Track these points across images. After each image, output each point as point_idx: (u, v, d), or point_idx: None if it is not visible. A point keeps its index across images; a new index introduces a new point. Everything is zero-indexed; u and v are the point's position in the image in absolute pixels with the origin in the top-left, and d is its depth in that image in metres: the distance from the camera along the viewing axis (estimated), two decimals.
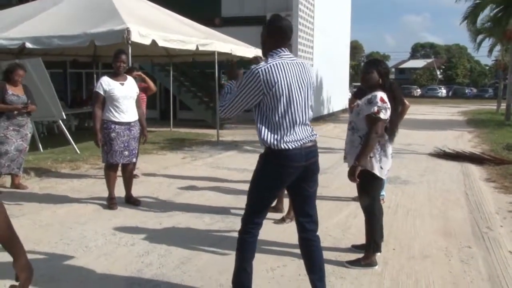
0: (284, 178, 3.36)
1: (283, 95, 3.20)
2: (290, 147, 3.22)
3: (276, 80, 3.17)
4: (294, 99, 3.25)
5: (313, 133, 3.40)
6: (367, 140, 4.12)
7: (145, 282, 3.99)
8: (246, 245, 3.48)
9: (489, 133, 16.42)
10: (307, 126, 3.37)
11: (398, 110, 4.39)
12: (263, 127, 3.27)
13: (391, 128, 4.25)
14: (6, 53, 11.35)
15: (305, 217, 3.49)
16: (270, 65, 3.20)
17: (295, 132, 3.26)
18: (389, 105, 4.12)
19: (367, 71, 4.31)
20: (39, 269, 4.05)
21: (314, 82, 3.47)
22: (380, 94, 4.13)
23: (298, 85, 3.27)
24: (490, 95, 53.90)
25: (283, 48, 3.33)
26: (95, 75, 18.12)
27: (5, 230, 1.90)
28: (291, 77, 3.24)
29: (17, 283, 2.03)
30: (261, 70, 3.17)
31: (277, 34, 3.34)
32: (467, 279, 4.13)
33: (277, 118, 3.23)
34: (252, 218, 3.47)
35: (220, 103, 3.42)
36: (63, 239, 5.07)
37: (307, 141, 3.30)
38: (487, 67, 78.16)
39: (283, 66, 3.23)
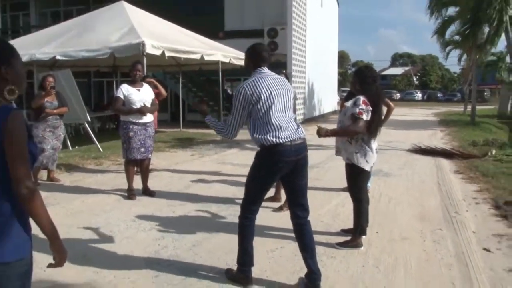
0: (277, 172, 3.45)
1: (266, 99, 3.37)
2: (280, 142, 3.32)
3: (259, 91, 3.37)
4: (275, 104, 3.41)
5: (301, 132, 3.49)
6: (345, 130, 4.31)
7: (162, 261, 4.04)
8: (245, 228, 3.57)
9: (458, 131, 16.44)
10: (293, 126, 3.46)
11: (380, 112, 4.43)
12: (255, 129, 3.43)
13: (374, 126, 4.29)
14: (42, 65, 11.42)
15: (297, 206, 3.57)
16: (252, 80, 3.44)
17: (282, 129, 3.37)
18: (370, 108, 4.17)
19: (358, 78, 4.38)
20: (73, 248, 4.11)
21: (291, 91, 3.64)
22: (363, 98, 4.18)
23: (277, 92, 3.44)
24: (458, 98, 53.83)
25: (263, 67, 3.54)
26: (114, 83, 18.13)
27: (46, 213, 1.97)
28: (271, 87, 3.43)
29: (53, 262, 2.10)
30: (245, 85, 3.41)
31: (256, 57, 3.56)
32: (438, 256, 4.20)
33: (264, 120, 3.38)
34: (249, 205, 3.57)
35: (221, 133, 3.57)
36: (91, 224, 5.12)
37: (295, 138, 3.40)
38: (456, 74, 78.17)
39: (263, 80, 3.44)
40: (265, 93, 3.38)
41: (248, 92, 3.37)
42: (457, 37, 24.87)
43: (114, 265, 3.93)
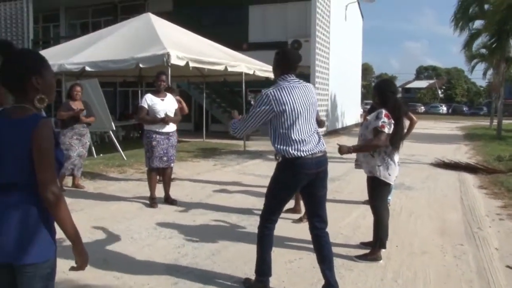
0: (296, 184, 3.47)
1: (291, 112, 3.35)
2: (302, 155, 3.33)
3: (284, 101, 3.35)
4: (300, 116, 3.39)
5: (322, 145, 3.48)
6: (367, 145, 4.25)
7: (181, 268, 4.08)
8: (264, 238, 3.59)
9: (483, 146, 16.15)
10: (315, 139, 3.45)
11: (402, 124, 4.43)
12: (277, 140, 3.42)
13: (396, 139, 4.29)
14: (70, 75, 11.69)
15: (315, 217, 3.58)
16: (278, 88, 3.39)
17: (304, 143, 3.37)
18: (392, 121, 4.18)
19: (380, 91, 4.39)
20: (95, 252, 4.21)
21: (316, 101, 3.60)
22: (385, 111, 4.19)
23: (303, 103, 3.42)
24: (485, 112, 52.96)
25: (289, 74, 3.49)
26: (139, 93, 18.42)
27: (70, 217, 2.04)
28: (296, 97, 3.39)
29: (75, 265, 2.17)
30: (270, 92, 3.36)
31: (284, 63, 3.52)
32: (459, 271, 4.13)
33: (287, 132, 3.37)
34: (269, 215, 3.59)
35: (233, 129, 3.59)
36: (113, 230, 5.21)
37: (316, 151, 3.40)
38: (482, 88, 76.99)
39: (290, 89, 3.40)
40: (290, 106, 3.35)
41: (272, 99, 3.34)
42: (483, 50, 24.57)
43: (134, 271, 3.99)
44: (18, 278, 2.08)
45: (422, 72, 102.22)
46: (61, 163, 2.16)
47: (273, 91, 3.37)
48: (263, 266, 3.59)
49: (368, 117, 4.45)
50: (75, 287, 3.62)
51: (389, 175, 4.30)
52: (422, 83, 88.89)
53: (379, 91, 4.36)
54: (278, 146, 3.41)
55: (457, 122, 36.26)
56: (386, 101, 4.26)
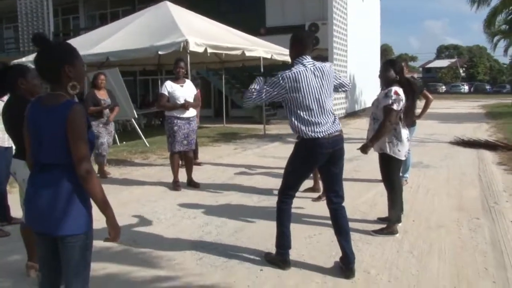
0: (313, 162, 3.66)
1: (306, 95, 3.51)
2: (318, 136, 3.49)
3: (298, 84, 3.50)
4: (315, 98, 3.54)
5: (338, 125, 3.62)
6: (381, 126, 4.32)
7: (206, 245, 4.30)
8: (282, 212, 3.77)
9: (504, 123, 15.98)
10: (331, 119, 3.59)
11: (415, 101, 4.55)
12: (294, 121, 3.58)
13: (407, 115, 4.43)
14: (91, 66, 11.97)
15: (332, 192, 3.74)
16: (293, 72, 3.55)
17: (320, 124, 3.52)
18: (402, 97, 4.29)
19: (386, 69, 4.49)
20: (123, 234, 4.36)
21: (332, 81, 3.69)
22: (395, 88, 4.31)
23: (319, 86, 3.56)
24: (508, 90, 51.99)
25: (304, 56, 3.63)
26: (159, 81, 18.68)
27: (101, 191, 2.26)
28: (311, 79, 3.54)
29: (109, 237, 2.39)
30: (286, 75, 3.53)
31: (298, 45, 3.67)
32: (473, 243, 4.25)
33: (303, 113, 3.53)
34: (286, 191, 3.77)
35: (245, 94, 3.74)
36: (139, 213, 5.44)
37: (333, 131, 3.55)
38: (505, 66, 75.31)
39: (305, 72, 3.54)
40: (305, 86, 3.51)
41: (287, 81, 3.51)
42: (504, 27, 24.11)
43: (162, 248, 4.21)
44: (60, 247, 2.31)
45: (443, 52, 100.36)
46: (93, 143, 2.36)
47: (289, 73, 3.54)
48: (282, 240, 3.77)
49: (378, 95, 4.56)
50: (108, 263, 3.86)
51: (399, 151, 4.42)
52: (443, 63, 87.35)
53: (397, 69, 4.47)
54: (296, 128, 3.58)
55: (479, 101, 35.66)
56: (393, 79, 4.40)
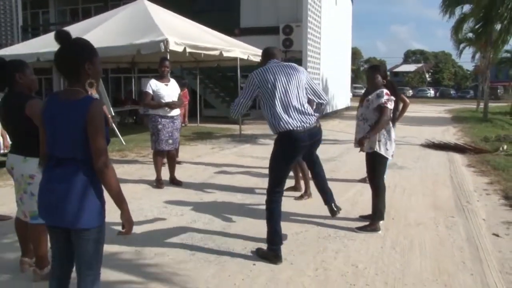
0: (294, 154, 3.96)
1: (275, 88, 3.81)
2: (291, 128, 3.75)
3: (267, 78, 3.83)
4: (285, 91, 3.83)
5: (312, 118, 3.89)
6: (378, 122, 4.57)
7: (196, 241, 4.42)
8: (273, 210, 3.96)
9: (470, 128, 16.63)
10: (304, 113, 3.86)
11: (398, 103, 4.88)
12: (269, 116, 3.86)
13: (393, 116, 4.73)
14: None
15: (312, 164, 4.26)
16: (260, 69, 3.93)
17: (294, 117, 3.79)
18: (393, 98, 4.60)
19: (373, 76, 4.75)
20: (113, 231, 4.46)
21: (304, 76, 4.00)
22: (386, 90, 4.62)
23: (287, 80, 3.87)
24: (471, 96, 53.70)
25: (271, 60, 4.05)
26: (133, 79, 18.60)
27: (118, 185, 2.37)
28: (279, 74, 3.86)
29: (123, 230, 2.49)
30: (255, 72, 3.90)
31: (266, 54, 4.14)
32: (451, 239, 4.53)
33: (275, 107, 3.81)
34: (275, 188, 3.98)
35: (232, 108, 4.03)
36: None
37: (309, 124, 3.83)
38: (468, 72, 77.78)
39: (271, 69, 3.90)
40: (272, 80, 3.81)
41: (256, 77, 3.85)
42: (470, 35, 25.01)
43: (153, 245, 4.31)
44: (74, 240, 2.40)
45: (410, 56, 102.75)
46: (108, 139, 2.45)
47: (257, 71, 3.91)
48: (275, 236, 3.94)
49: (370, 97, 4.79)
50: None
51: (387, 149, 4.70)
52: (410, 67, 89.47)
53: (383, 74, 4.79)
54: (270, 122, 3.86)
55: (445, 105, 36.81)
56: (387, 81, 4.70)
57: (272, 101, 3.79)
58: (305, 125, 3.78)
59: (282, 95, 3.80)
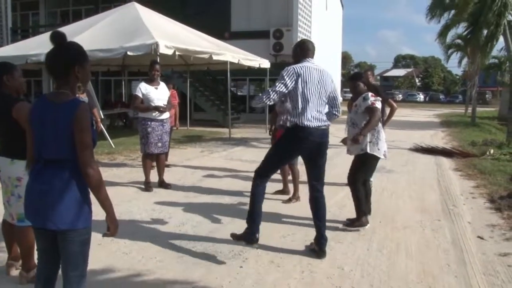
0: (300, 149, 4.11)
1: (306, 88, 4.00)
2: (310, 126, 3.96)
3: (304, 75, 4.01)
4: (314, 93, 4.03)
5: (326, 121, 4.10)
6: (369, 121, 4.69)
7: (185, 244, 4.43)
8: (257, 192, 4.10)
9: (458, 132, 16.84)
10: (321, 115, 4.07)
11: (384, 106, 5.01)
12: (293, 108, 4.06)
13: (381, 120, 4.85)
14: None
15: (316, 180, 4.20)
16: (300, 66, 4.06)
17: (312, 117, 4.00)
18: (379, 98, 4.71)
19: (355, 84, 4.95)
20: (102, 231, 4.49)
21: (331, 85, 4.22)
22: (370, 93, 4.78)
23: (316, 83, 4.06)
24: (460, 100, 54.18)
25: (308, 58, 4.16)
26: (123, 82, 18.56)
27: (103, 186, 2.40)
28: (311, 76, 4.04)
29: (108, 232, 2.51)
30: (294, 67, 4.04)
31: (304, 48, 4.20)
32: (436, 242, 4.59)
33: (300, 105, 3.99)
34: (265, 172, 4.12)
35: (257, 98, 4.08)
36: (115, 213, 5.47)
37: (321, 125, 4.04)
38: (457, 77, 78.48)
39: (307, 68, 4.05)
40: (308, 80, 4.00)
41: (295, 71, 4.00)
42: (458, 41, 25.29)
43: (141, 248, 4.32)
44: (60, 241, 2.41)
45: (400, 61, 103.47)
46: (95, 141, 2.46)
47: (297, 66, 4.04)
48: (256, 216, 4.07)
49: (356, 102, 4.85)
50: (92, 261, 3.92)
51: (378, 149, 4.83)
52: (400, 72, 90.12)
53: (364, 80, 4.94)
54: (293, 114, 4.04)
55: (434, 110, 37.13)
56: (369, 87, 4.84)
57: (302, 97, 3.99)
58: (320, 126, 4.02)
59: (311, 95, 4.01)
